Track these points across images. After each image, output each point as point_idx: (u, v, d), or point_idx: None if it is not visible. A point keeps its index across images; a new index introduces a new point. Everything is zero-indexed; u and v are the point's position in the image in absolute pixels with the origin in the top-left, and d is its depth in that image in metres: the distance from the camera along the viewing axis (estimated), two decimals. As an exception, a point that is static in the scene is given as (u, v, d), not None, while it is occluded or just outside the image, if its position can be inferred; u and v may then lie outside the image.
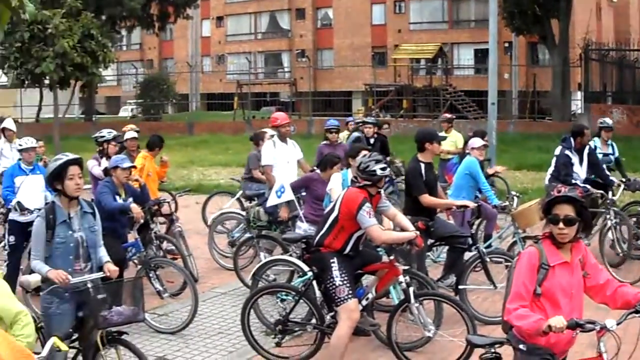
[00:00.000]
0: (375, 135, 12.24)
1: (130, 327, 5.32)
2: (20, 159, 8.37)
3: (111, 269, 5.08)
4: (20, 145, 8.39)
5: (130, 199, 7.68)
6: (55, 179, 4.91)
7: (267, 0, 50.52)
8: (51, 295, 4.93)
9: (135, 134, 10.17)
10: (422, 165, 7.25)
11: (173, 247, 8.52)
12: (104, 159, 9.32)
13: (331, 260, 5.74)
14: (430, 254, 8.09)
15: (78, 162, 4.96)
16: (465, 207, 7.57)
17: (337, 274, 5.69)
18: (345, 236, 5.80)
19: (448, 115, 14.62)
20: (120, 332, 5.01)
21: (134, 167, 8.05)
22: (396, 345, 6.03)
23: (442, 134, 9.66)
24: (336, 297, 5.68)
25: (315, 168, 8.45)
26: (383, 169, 5.76)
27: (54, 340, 4.37)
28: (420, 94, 36.77)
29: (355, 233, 5.79)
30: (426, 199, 7.14)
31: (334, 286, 5.69)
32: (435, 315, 6.26)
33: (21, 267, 7.89)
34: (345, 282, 5.68)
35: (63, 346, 4.37)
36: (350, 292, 5.68)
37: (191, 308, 7.10)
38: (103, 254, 5.19)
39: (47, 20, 20.37)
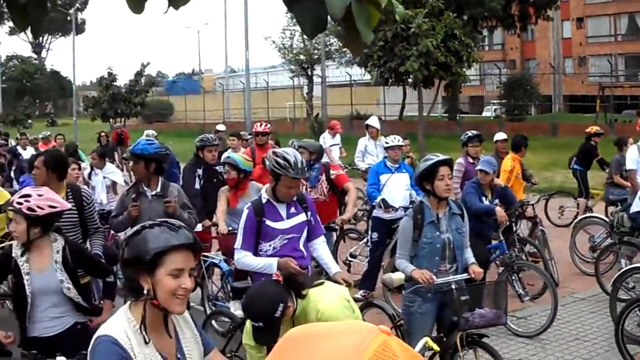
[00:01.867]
0: None
1: (488, 330, 5.31)
2: (385, 157, 8.66)
3: (476, 270, 5.08)
4: (386, 142, 8.64)
5: (496, 201, 7.76)
6: (425, 179, 4.98)
7: (626, 1, 47.16)
8: (414, 295, 5.04)
9: (505, 135, 10.15)
10: None
11: (535, 250, 8.46)
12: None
13: None
14: None
15: (448, 163, 5.01)
16: None
17: None
18: None
19: None
20: (481, 334, 5.00)
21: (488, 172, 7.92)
22: None
23: None
24: None
25: None
26: None
27: (426, 340, 4.49)
28: None
29: None
30: None
31: None
32: None
33: (382, 264, 8.31)
34: None
35: (435, 346, 4.47)
36: None
37: (550, 312, 6.98)
38: (469, 255, 5.20)
39: (409, 20, 21.29)
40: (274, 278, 4.04)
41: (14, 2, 2.46)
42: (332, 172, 7.97)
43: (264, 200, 5.05)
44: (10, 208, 4.34)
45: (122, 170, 16.69)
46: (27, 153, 15.01)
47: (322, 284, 4.17)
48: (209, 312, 7.11)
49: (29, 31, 2.78)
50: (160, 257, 2.42)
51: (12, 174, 13.54)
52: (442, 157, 5.04)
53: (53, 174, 5.61)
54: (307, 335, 1.49)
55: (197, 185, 8.14)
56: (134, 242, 2.47)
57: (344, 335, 1.41)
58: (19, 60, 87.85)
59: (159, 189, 6.13)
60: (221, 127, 18.08)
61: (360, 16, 2.28)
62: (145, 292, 2.44)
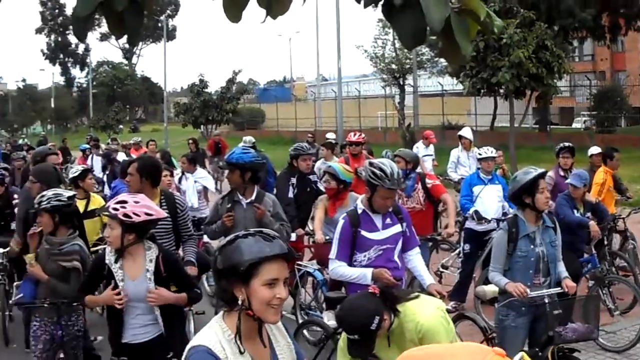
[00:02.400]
0: None
1: (579, 344, 5.25)
2: (478, 168, 8.68)
3: (569, 285, 5.05)
4: (479, 154, 8.67)
5: (588, 214, 7.68)
6: (525, 192, 4.96)
7: None
8: (507, 308, 5.04)
9: (599, 149, 9.94)
10: None
11: (625, 264, 8.41)
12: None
13: None
14: None
15: (545, 176, 5.04)
16: None
17: None
18: None
19: None
20: (572, 349, 4.99)
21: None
22: None
23: None
24: None
25: None
26: None
27: (522, 355, 4.48)
28: None
29: None
30: None
31: None
32: None
33: (474, 275, 8.29)
34: None
35: (531, 362, 4.43)
36: None
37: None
38: (562, 269, 5.17)
39: (501, 31, 21.04)
40: (370, 290, 4.07)
41: (111, 10, 2.54)
42: (428, 181, 7.95)
43: (359, 211, 5.12)
44: (106, 213, 4.38)
45: (216, 179, 17.02)
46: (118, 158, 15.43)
47: (417, 297, 4.18)
48: (300, 321, 7.21)
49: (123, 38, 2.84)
50: (255, 267, 2.41)
51: (104, 178, 14.13)
52: (540, 170, 5.05)
53: (147, 181, 5.73)
54: (423, 357, 1.50)
55: (290, 194, 8.20)
56: (227, 252, 2.47)
57: (459, 357, 1.41)
58: (110, 66, 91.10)
59: (253, 198, 6.17)
60: (331, 135, 17.59)
61: (459, 28, 2.32)
62: (239, 302, 2.44)
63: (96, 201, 7.71)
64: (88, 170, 8.20)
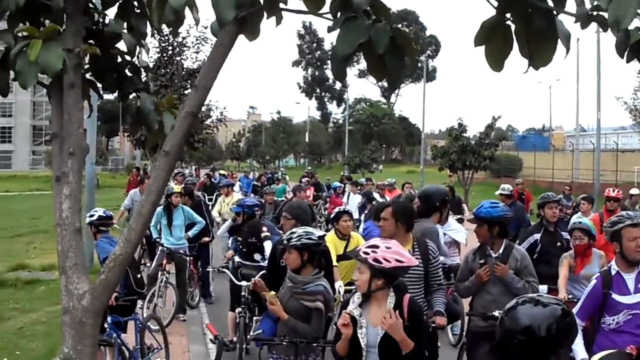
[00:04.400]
0: None
1: None
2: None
3: None
4: None
5: None
6: None
7: None
8: None
9: None
10: None
11: None
12: None
13: None
14: None
15: None
16: None
17: None
18: None
19: None
20: None
21: None
22: None
23: None
24: None
25: None
26: None
27: None
28: None
29: None
30: None
31: None
32: None
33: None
34: None
35: None
36: None
37: None
38: None
39: None
40: (627, 351, 4.03)
41: (372, 52, 2.59)
42: None
43: (613, 272, 5.09)
44: (357, 257, 4.41)
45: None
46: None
47: None
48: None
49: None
50: None
51: (362, 217, 14.48)
52: None
53: (401, 226, 5.73)
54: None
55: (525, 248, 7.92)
56: (510, 320, 2.59)
57: None
58: (367, 103, 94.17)
59: (501, 252, 6.07)
60: (635, 191, 16.72)
61: None
62: None
63: (356, 241, 7.91)
64: (344, 212, 8.40)
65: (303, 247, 5.23)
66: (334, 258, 7.52)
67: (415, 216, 6.26)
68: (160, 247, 10.84)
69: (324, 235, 5.59)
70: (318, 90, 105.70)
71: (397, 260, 4.26)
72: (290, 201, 12.51)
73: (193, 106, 2.94)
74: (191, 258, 11.35)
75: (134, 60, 3.53)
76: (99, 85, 3.59)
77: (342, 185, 21.71)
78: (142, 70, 3.62)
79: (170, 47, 23.98)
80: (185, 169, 53.15)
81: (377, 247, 4.31)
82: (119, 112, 68.58)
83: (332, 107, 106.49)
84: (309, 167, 53.84)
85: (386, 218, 5.80)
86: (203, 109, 24.60)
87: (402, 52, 2.64)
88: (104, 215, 7.69)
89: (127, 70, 3.56)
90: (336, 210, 8.52)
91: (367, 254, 4.28)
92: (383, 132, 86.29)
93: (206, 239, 12.05)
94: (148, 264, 12.10)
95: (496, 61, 2.56)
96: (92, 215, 7.69)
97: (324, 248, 5.49)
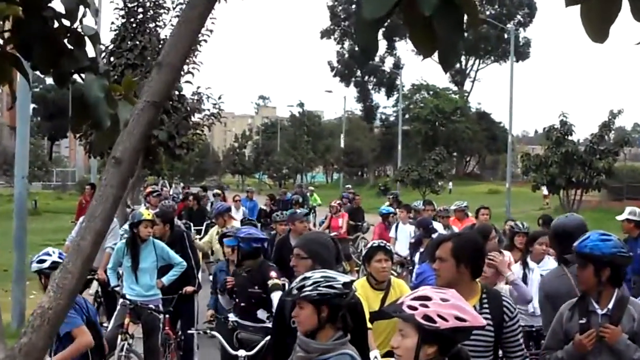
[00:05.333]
0: None
1: None
2: None
3: None
4: None
5: None
6: None
7: None
8: None
9: None
10: None
11: None
12: None
13: None
14: None
15: None
16: None
17: None
18: None
19: None
20: None
21: None
22: None
23: None
24: None
25: None
26: None
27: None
28: None
29: None
30: None
31: None
32: None
33: None
34: None
35: None
36: None
37: None
38: None
39: None
40: None
41: (413, 14, 2.56)
42: None
43: None
44: (399, 313, 4.27)
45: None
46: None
47: None
48: None
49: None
50: None
51: (415, 258, 14.43)
52: None
53: (465, 269, 5.73)
54: None
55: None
56: None
57: None
58: (431, 92, 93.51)
59: (611, 305, 6.08)
60: None
61: None
62: None
63: (399, 291, 7.81)
64: (378, 247, 8.24)
65: (320, 300, 5.09)
66: (367, 316, 7.36)
67: (485, 255, 6.24)
68: (120, 300, 10.87)
69: (352, 282, 5.42)
70: (359, 73, 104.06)
71: (457, 319, 4.16)
72: (308, 233, 12.14)
73: (156, 93, 2.90)
74: (166, 316, 11.38)
75: (75, 26, 3.54)
76: (26, 63, 3.60)
77: (394, 210, 21.14)
78: (89, 40, 3.62)
79: (140, 9, 23.70)
80: (171, 187, 53.38)
81: (428, 298, 4.22)
82: (67, 105, 69.18)
83: (379, 97, 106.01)
84: (348, 186, 53.54)
85: (443, 258, 5.78)
86: (190, 98, 24.42)
87: (458, 14, 2.57)
88: (60, 259, 7.49)
89: (65, 41, 3.57)
90: (369, 245, 8.35)
91: (414, 308, 4.18)
92: (453, 134, 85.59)
93: (189, 288, 12.07)
94: (104, 324, 12.13)
95: (597, 27, 2.47)
96: (42, 261, 7.64)
97: (351, 300, 5.39)
